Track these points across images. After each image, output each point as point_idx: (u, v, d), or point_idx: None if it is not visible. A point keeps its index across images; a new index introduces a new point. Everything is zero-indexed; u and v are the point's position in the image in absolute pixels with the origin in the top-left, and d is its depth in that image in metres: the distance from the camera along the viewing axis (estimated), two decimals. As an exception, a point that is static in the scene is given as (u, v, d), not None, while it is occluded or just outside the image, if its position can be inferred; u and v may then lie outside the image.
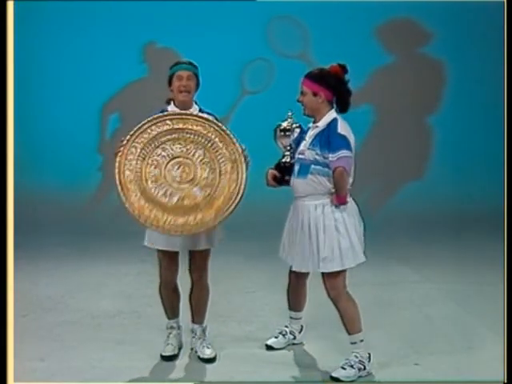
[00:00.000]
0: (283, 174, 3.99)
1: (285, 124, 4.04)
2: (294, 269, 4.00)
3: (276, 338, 4.28)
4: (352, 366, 3.82)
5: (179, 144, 3.75)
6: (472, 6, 8.09)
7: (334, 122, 3.81)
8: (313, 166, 3.81)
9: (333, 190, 3.80)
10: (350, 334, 3.90)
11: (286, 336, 4.29)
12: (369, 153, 7.93)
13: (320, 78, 3.83)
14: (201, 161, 3.75)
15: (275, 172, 4.01)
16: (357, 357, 3.85)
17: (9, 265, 3.47)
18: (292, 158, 3.98)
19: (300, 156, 3.90)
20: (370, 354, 3.91)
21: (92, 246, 7.02)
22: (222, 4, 8.03)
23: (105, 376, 3.84)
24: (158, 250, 4.04)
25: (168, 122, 3.75)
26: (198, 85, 4.00)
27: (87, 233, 7.45)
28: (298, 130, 4.02)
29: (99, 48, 8.22)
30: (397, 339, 4.41)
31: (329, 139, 3.76)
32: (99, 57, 8.22)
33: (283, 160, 4.02)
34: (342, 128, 3.78)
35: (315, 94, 3.82)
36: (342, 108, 3.88)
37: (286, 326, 4.32)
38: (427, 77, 8.64)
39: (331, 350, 4.21)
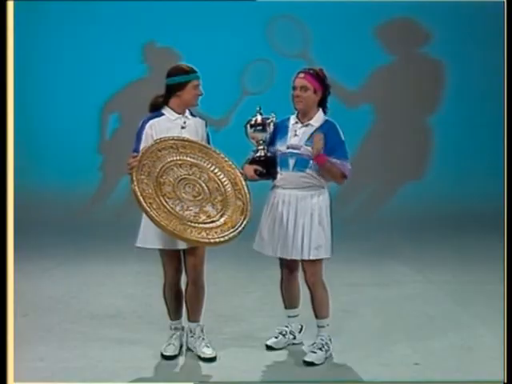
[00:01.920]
0: (263, 168, 4.01)
1: (258, 119, 4.04)
2: (281, 256, 4.04)
3: (276, 338, 4.27)
4: (320, 349, 4.03)
5: (185, 167, 3.88)
6: (472, 6, 8.09)
7: (333, 124, 3.98)
8: (312, 162, 3.92)
9: (326, 183, 4.01)
10: (320, 318, 4.09)
11: (286, 336, 4.29)
12: (368, 153, 7.95)
13: (319, 76, 3.98)
14: (207, 182, 3.89)
15: (256, 166, 4.00)
16: (322, 339, 4.06)
17: (9, 265, 3.47)
18: (267, 151, 4.03)
19: (294, 151, 3.96)
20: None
21: (92, 245, 7.02)
22: (222, 4, 8.03)
23: (105, 376, 3.84)
24: (161, 251, 4.05)
25: (174, 154, 3.87)
26: None
27: (87, 233, 7.45)
28: (272, 124, 4.03)
29: (99, 48, 8.23)
30: (397, 339, 4.40)
31: (334, 144, 3.91)
32: (99, 56, 8.23)
33: (258, 154, 4.03)
34: (343, 139, 3.97)
35: (315, 92, 3.96)
36: (324, 109, 4.05)
37: (286, 326, 4.32)
38: (427, 77, 8.64)
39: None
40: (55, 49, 8.30)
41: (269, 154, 4.03)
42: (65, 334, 4.51)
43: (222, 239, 3.70)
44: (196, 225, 3.70)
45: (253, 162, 4.05)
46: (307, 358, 4.01)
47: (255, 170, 4.00)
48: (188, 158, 3.91)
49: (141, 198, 3.63)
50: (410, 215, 8.01)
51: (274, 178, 4.04)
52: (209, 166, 3.95)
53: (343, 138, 3.98)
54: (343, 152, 3.95)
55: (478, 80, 8.52)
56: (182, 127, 3.99)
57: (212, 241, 3.68)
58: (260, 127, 4.02)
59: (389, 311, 5.00)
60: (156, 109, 4.03)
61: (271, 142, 4.05)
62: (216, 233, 3.71)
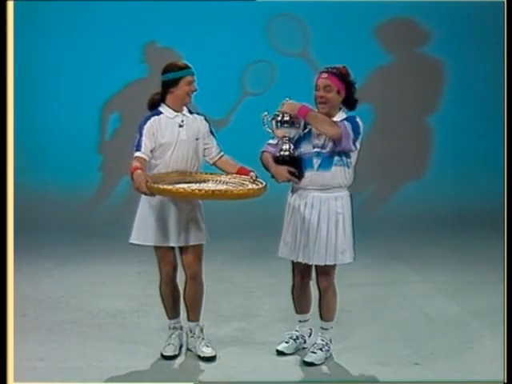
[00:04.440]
0: (294, 167, 3.84)
1: (286, 114, 3.83)
2: (303, 261, 3.95)
3: (287, 343, 4.20)
4: (321, 350, 4.03)
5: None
6: (472, 6, 8.09)
7: (353, 116, 3.89)
8: (336, 158, 3.86)
9: (349, 183, 3.93)
10: (326, 320, 4.07)
11: (297, 341, 4.22)
12: (368, 153, 7.90)
13: (342, 76, 3.88)
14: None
15: (289, 167, 3.84)
16: (323, 340, 4.06)
17: (9, 265, 3.47)
18: (293, 150, 3.89)
19: (317, 150, 3.87)
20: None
21: (92, 245, 7.02)
22: (222, 4, 8.03)
23: (105, 376, 3.84)
24: (155, 248, 4.04)
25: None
26: None
27: (87, 233, 7.45)
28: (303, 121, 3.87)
29: (99, 48, 8.22)
30: (397, 339, 4.41)
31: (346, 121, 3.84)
32: (99, 56, 8.22)
33: (284, 153, 3.86)
34: (360, 124, 3.85)
35: (338, 92, 3.87)
36: (352, 107, 3.95)
37: (297, 331, 4.25)
38: (427, 77, 8.64)
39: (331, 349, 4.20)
40: (55, 49, 8.29)
41: (296, 153, 3.86)
42: (65, 334, 4.51)
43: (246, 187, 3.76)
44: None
45: (277, 161, 3.87)
46: (307, 359, 4.01)
47: (289, 172, 3.85)
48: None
49: (155, 185, 3.65)
50: (410, 215, 8.01)
51: (300, 178, 3.88)
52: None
53: (360, 127, 3.83)
54: (353, 124, 3.80)
55: (477, 80, 8.51)
56: (180, 125, 3.98)
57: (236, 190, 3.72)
58: (287, 124, 3.82)
59: (389, 311, 5.00)
60: (154, 106, 4.02)
61: (296, 140, 3.91)
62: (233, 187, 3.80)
